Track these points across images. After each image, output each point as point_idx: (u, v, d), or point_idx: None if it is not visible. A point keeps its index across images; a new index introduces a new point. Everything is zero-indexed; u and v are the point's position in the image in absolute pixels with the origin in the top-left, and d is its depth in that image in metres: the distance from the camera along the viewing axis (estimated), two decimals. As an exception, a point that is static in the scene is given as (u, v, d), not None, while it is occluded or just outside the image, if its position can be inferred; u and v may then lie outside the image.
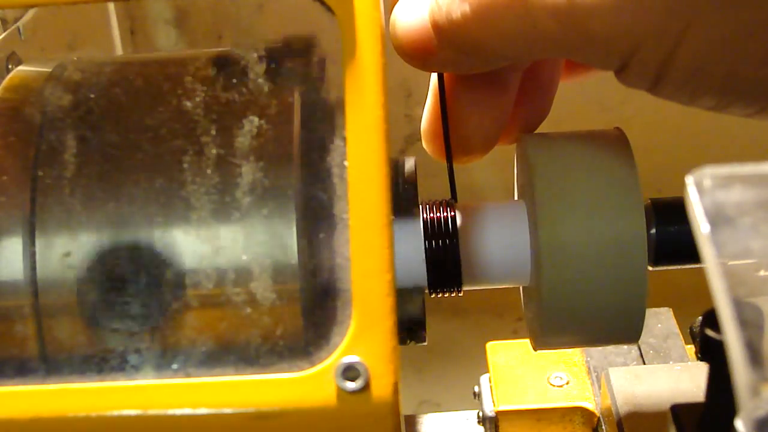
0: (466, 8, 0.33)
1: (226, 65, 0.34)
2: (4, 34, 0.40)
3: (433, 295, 0.38)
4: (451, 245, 0.36)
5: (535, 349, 0.39)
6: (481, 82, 0.38)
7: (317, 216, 0.32)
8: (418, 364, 0.84)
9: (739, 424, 0.22)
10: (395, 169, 0.37)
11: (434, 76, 0.39)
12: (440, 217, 0.37)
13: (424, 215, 0.37)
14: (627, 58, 0.32)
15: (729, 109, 0.34)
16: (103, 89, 0.35)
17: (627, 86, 0.34)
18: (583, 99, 0.81)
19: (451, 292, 0.38)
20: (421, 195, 0.37)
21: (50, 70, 0.36)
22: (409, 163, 0.37)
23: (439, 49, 0.35)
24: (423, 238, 0.36)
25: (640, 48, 0.32)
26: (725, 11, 0.31)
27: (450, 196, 0.39)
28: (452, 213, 0.37)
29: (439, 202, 0.37)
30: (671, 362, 0.49)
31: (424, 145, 0.41)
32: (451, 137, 0.39)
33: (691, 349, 0.50)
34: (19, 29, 0.41)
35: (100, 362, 0.32)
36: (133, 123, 0.34)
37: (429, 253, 0.36)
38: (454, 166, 0.40)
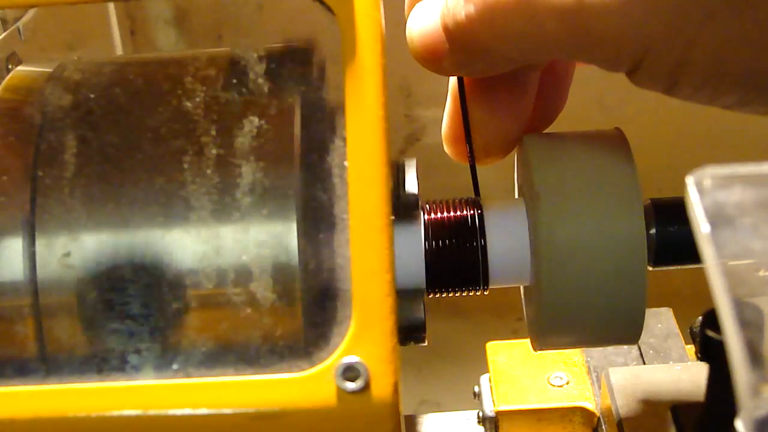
0: (470, 9, 0.33)
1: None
2: (4, 34, 0.40)
3: (457, 294, 0.38)
4: (480, 243, 0.36)
5: (535, 350, 0.39)
6: (501, 84, 0.38)
7: (317, 216, 0.32)
8: (418, 364, 0.84)
9: (739, 424, 0.22)
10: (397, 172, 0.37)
11: (453, 79, 0.39)
12: (467, 215, 0.37)
13: (448, 213, 0.37)
14: (638, 60, 0.32)
15: (749, 106, 0.33)
16: (103, 89, 0.35)
17: (641, 88, 0.34)
18: (583, 99, 0.81)
19: (476, 291, 0.38)
20: (422, 195, 0.37)
21: (50, 70, 0.36)
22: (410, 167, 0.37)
23: (450, 53, 0.35)
24: (424, 239, 0.36)
25: (652, 49, 0.32)
26: (740, 10, 0.30)
27: (453, 198, 0.39)
28: (479, 211, 0.37)
29: (465, 200, 0.37)
30: (671, 362, 0.49)
31: (446, 148, 0.41)
32: (473, 140, 0.39)
33: (691, 349, 0.50)
34: (19, 29, 0.41)
35: (100, 362, 0.32)
36: (133, 123, 0.34)
37: (454, 252, 0.36)
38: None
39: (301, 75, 0.35)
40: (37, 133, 0.33)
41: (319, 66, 0.36)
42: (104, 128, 0.34)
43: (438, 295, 0.38)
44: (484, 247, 0.37)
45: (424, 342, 0.37)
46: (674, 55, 0.31)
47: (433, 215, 0.37)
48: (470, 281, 0.37)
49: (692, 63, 0.32)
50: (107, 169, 0.33)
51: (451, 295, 0.38)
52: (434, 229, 0.37)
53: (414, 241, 0.36)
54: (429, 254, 0.36)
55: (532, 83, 0.39)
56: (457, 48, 0.34)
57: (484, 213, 0.37)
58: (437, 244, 0.37)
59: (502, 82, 0.38)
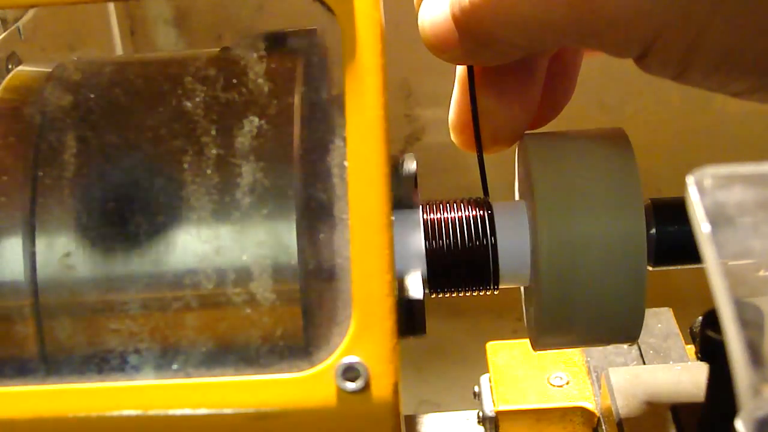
0: None
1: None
2: (4, 34, 0.40)
3: (468, 294, 0.38)
4: (491, 242, 0.36)
5: (534, 350, 0.39)
6: (509, 71, 0.38)
7: (317, 216, 0.32)
8: (418, 364, 0.84)
9: (739, 424, 0.22)
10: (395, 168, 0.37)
11: (460, 68, 0.39)
12: (477, 215, 0.37)
13: (458, 213, 0.37)
14: (648, 45, 0.32)
15: (759, 93, 0.33)
16: (103, 89, 0.35)
17: (650, 74, 0.33)
18: (583, 99, 0.81)
19: (486, 291, 0.38)
20: (422, 195, 0.37)
21: (50, 70, 0.36)
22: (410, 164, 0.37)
23: (460, 41, 0.35)
24: (432, 239, 0.37)
25: (663, 33, 0.31)
26: None
27: (458, 197, 0.39)
28: (489, 211, 0.37)
29: (475, 200, 0.37)
30: (671, 362, 0.49)
31: (452, 136, 0.40)
32: (480, 128, 0.38)
33: (691, 349, 0.50)
34: (19, 29, 0.41)
35: (100, 362, 0.32)
36: (133, 123, 0.34)
37: (465, 251, 0.36)
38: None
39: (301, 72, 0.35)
40: (37, 134, 0.33)
41: (320, 64, 0.36)
42: (104, 128, 0.34)
43: (447, 295, 0.38)
44: (495, 247, 0.37)
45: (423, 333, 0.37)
46: (685, 41, 0.31)
47: (442, 214, 0.37)
48: (480, 281, 0.37)
49: (703, 49, 0.31)
50: (107, 169, 0.33)
51: (460, 294, 0.38)
52: (444, 229, 0.37)
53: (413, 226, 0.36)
54: (438, 253, 0.36)
55: (541, 70, 0.38)
56: (466, 36, 0.34)
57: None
58: (446, 243, 0.37)
59: (510, 69, 0.38)
